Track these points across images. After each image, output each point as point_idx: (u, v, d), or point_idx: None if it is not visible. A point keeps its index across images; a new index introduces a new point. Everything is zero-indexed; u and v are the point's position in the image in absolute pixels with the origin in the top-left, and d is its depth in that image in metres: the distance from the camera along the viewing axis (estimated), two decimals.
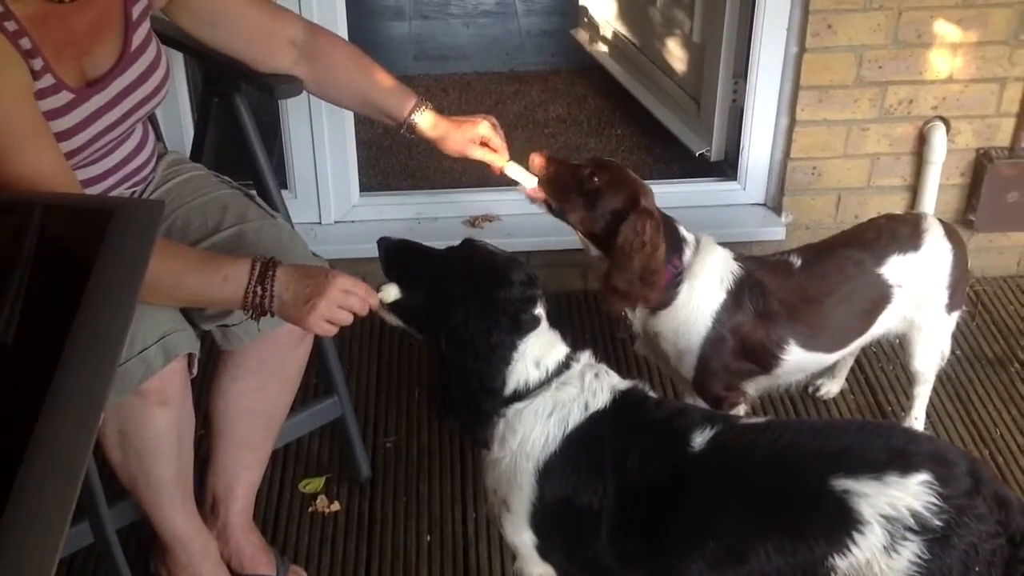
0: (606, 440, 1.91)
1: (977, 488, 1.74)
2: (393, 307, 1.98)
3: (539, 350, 1.92)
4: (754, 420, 2.01)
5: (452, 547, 2.56)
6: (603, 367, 2.00)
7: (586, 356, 1.99)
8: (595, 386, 1.94)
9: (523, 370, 1.91)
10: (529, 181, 2.31)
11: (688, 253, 2.34)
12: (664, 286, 2.31)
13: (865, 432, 1.87)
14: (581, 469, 1.91)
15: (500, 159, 2.32)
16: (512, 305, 1.89)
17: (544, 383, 1.92)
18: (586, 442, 1.91)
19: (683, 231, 2.36)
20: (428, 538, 2.58)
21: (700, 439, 1.87)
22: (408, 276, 1.98)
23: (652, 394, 2.00)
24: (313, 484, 2.71)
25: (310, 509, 2.65)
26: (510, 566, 2.49)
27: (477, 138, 2.31)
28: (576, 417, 1.91)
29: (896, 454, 1.77)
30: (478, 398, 1.90)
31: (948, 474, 1.74)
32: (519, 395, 1.92)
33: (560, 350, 1.95)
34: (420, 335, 2.02)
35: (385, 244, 2.01)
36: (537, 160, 2.31)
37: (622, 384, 1.98)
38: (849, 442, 1.83)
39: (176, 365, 2.02)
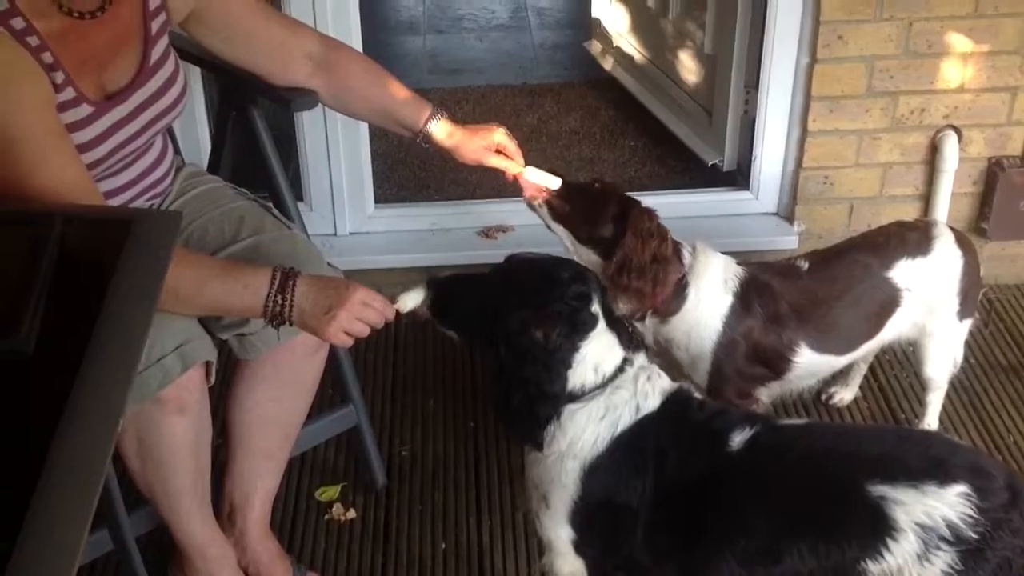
0: (650, 441, 1.92)
1: (1014, 502, 1.74)
2: (441, 319, 2.02)
3: (599, 355, 1.93)
4: (794, 422, 2.02)
5: (467, 555, 2.57)
6: (655, 369, 2.00)
7: (640, 358, 2.00)
8: (647, 389, 1.95)
9: (582, 374, 1.92)
10: (552, 183, 2.33)
11: (688, 257, 2.37)
12: (671, 289, 2.34)
13: (905, 440, 1.88)
14: (624, 469, 1.92)
15: (516, 165, 2.35)
16: (567, 306, 1.90)
17: (600, 387, 1.93)
18: (632, 444, 1.92)
19: (677, 240, 2.38)
20: (443, 546, 2.60)
21: (739, 439, 1.88)
22: (458, 303, 2.01)
23: (697, 395, 2.02)
24: (329, 492, 2.73)
25: (326, 517, 2.67)
26: (525, 574, 2.51)
27: (493, 145, 2.33)
28: (626, 420, 1.93)
29: (935, 464, 1.77)
30: (537, 404, 1.91)
31: (986, 487, 1.74)
32: (573, 397, 1.92)
33: (617, 354, 1.96)
34: (463, 340, 2.06)
35: (434, 285, 2.03)
36: None
37: (671, 387, 2.00)
38: (888, 449, 1.84)
39: (194, 373, 2.04)
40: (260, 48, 2.27)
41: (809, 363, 2.45)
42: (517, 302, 1.90)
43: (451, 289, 2.02)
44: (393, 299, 2.01)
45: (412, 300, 2.02)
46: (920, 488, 1.74)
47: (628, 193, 2.39)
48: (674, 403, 1.96)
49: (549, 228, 2.39)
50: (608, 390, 1.93)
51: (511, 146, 2.34)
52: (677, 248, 2.36)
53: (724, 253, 2.47)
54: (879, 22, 3.07)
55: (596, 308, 1.93)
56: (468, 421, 2.97)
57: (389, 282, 3.06)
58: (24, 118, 1.81)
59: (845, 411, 2.99)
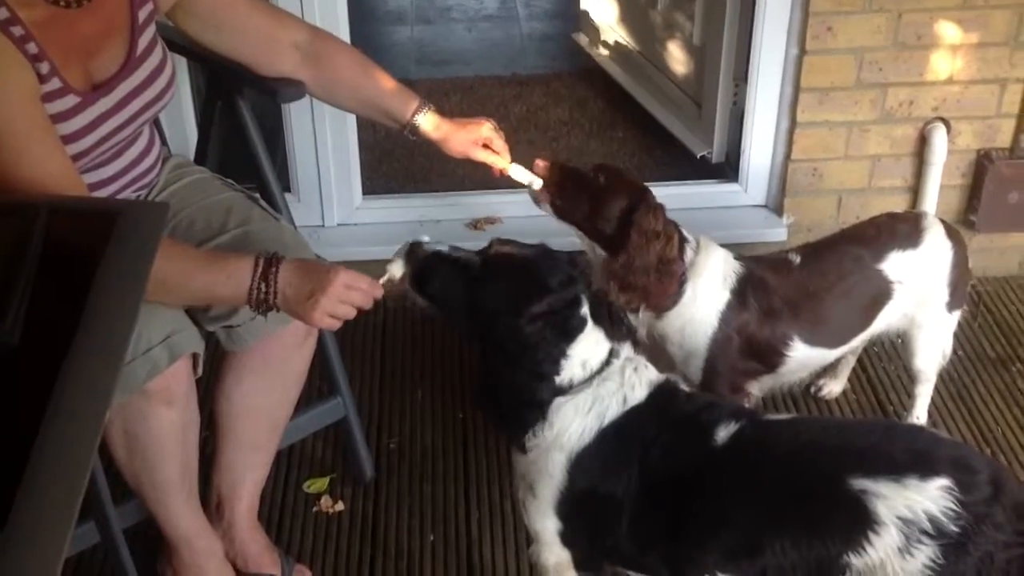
0: (636, 433, 1.92)
1: (997, 496, 1.74)
2: (421, 294, 1.97)
3: (586, 352, 1.92)
4: (778, 416, 2.02)
5: (456, 547, 2.57)
6: (642, 360, 2.00)
7: (626, 349, 1.99)
8: (634, 380, 1.95)
9: (569, 372, 1.92)
10: (535, 182, 2.31)
11: (690, 253, 2.35)
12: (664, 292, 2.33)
13: (890, 433, 1.88)
14: (610, 460, 1.92)
15: (502, 161, 2.34)
16: (557, 315, 1.88)
17: (587, 380, 1.93)
18: (618, 435, 1.92)
19: (684, 232, 2.37)
20: (432, 538, 2.59)
21: (724, 433, 1.88)
22: (440, 287, 1.97)
23: (684, 387, 2.02)
24: (317, 484, 2.72)
25: (314, 509, 2.66)
26: (514, 565, 2.51)
27: (480, 139, 2.32)
28: (614, 411, 1.93)
29: (918, 457, 1.77)
30: (527, 409, 1.91)
31: (969, 480, 1.74)
32: (561, 390, 1.92)
33: (604, 347, 1.95)
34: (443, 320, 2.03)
35: (413, 257, 1.98)
36: (541, 164, 2.32)
37: (658, 378, 1.99)
38: (872, 442, 1.84)
39: (181, 364, 2.03)
40: (247, 38, 2.26)
41: (802, 356, 2.45)
42: (505, 307, 1.89)
43: (434, 271, 1.97)
44: (382, 273, 1.98)
45: (401, 266, 1.98)
46: (901, 482, 1.74)
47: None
48: (661, 395, 1.96)
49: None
50: (595, 382, 1.93)
51: (498, 141, 2.33)
52: (682, 243, 2.34)
53: None
54: (868, 13, 3.07)
55: (584, 311, 1.92)
56: (456, 412, 2.97)
57: (377, 273, 3.04)
58: (7, 110, 1.79)
59: (834, 404, 3.00)
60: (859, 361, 3.05)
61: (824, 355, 2.54)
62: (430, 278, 1.97)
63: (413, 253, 1.98)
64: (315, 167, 3.28)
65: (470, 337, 2.00)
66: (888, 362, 3.12)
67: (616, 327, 1.99)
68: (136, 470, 2.13)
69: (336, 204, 3.35)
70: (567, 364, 1.91)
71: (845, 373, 3.00)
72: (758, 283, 2.39)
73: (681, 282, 2.34)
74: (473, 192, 3.53)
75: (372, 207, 3.43)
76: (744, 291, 2.37)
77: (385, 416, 2.96)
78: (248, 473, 2.37)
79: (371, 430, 2.88)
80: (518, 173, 2.33)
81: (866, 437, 1.87)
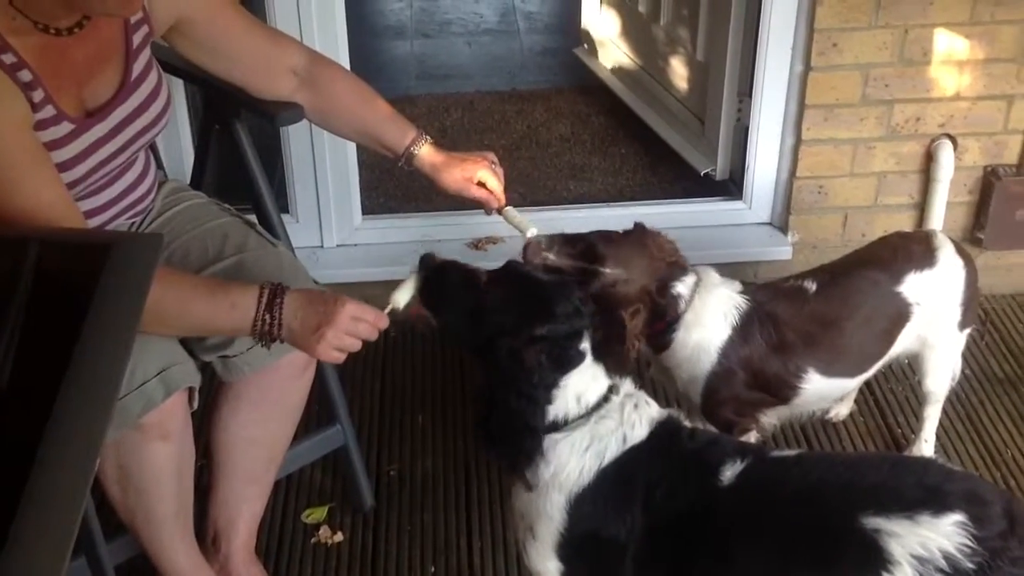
0: (638, 473, 1.87)
1: (1013, 529, 1.69)
2: (427, 304, 1.94)
3: (581, 385, 1.88)
4: (785, 453, 1.97)
5: None
6: (643, 396, 1.95)
7: (627, 386, 1.95)
8: (634, 418, 1.90)
9: (563, 404, 1.87)
10: (528, 229, 2.26)
11: (682, 305, 2.30)
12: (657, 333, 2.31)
13: (899, 468, 1.83)
14: (612, 501, 1.88)
15: (496, 201, 2.29)
16: (556, 344, 1.84)
17: (583, 416, 1.89)
18: (619, 475, 1.87)
19: (677, 287, 2.30)
20: (433, 569, 2.54)
21: (730, 472, 1.83)
22: (448, 298, 1.93)
23: (687, 423, 1.97)
24: (316, 514, 2.67)
25: (313, 540, 2.61)
26: None
27: (475, 179, 2.28)
28: (614, 451, 1.87)
29: (930, 492, 1.73)
30: (522, 437, 1.86)
31: (983, 514, 1.69)
32: (556, 426, 1.88)
33: (602, 384, 1.91)
34: (442, 330, 2.00)
35: (425, 265, 1.95)
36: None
37: (660, 415, 1.94)
38: (882, 478, 1.79)
39: (176, 399, 1.99)
40: (243, 62, 2.22)
41: (818, 388, 2.41)
42: (506, 325, 1.85)
43: (444, 280, 1.94)
44: (385, 306, 1.94)
45: (405, 294, 1.95)
46: (914, 519, 1.69)
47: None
48: (663, 432, 1.91)
49: None
50: (593, 420, 1.88)
51: (493, 180, 2.27)
52: (674, 301, 2.29)
53: (719, 264, 2.43)
54: (874, 29, 3.04)
55: (585, 345, 1.88)
56: (458, 438, 2.92)
57: (377, 295, 3.01)
58: None
59: (841, 426, 2.95)
60: (866, 383, 3.00)
61: (843, 385, 2.50)
62: (440, 285, 1.93)
63: (425, 262, 1.96)
64: (314, 188, 3.25)
65: (471, 352, 1.95)
66: (896, 384, 3.08)
67: (612, 362, 1.95)
68: (130, 506, 2.09)
69: (335, 225, 3.32)
70: (559, 395, 1.86)
71: (852, 395, 2.95)
72: (766, 317, 2.34)
73: (671, 330, 2.30)
74: (474, 212, 3.41)
75: (372, 227, 3.39)
76: (748, 326, 2.32)
77: (385, 442, 2.92)
78: (245, 505, 2.32)
79: (371, 457, 2.84)
80: (513, 217, 2.28)
81: (874, 473, 1.82)
